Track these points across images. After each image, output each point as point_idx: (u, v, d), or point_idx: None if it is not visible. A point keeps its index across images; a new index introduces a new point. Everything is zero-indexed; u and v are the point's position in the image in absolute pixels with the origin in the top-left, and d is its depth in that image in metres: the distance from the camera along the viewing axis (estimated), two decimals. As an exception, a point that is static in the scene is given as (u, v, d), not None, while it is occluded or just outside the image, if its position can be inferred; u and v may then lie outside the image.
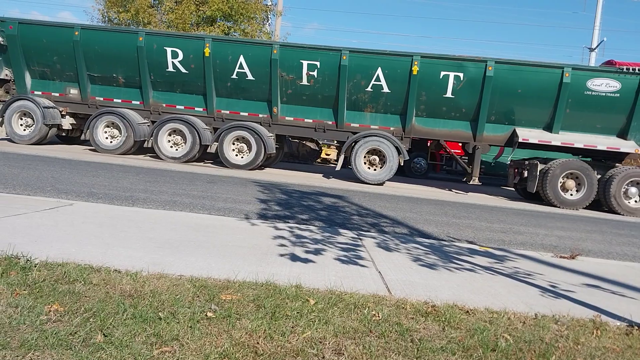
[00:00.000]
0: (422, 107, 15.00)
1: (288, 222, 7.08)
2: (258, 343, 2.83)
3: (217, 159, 16.19)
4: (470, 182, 15.82)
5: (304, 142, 19.83)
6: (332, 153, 24.70)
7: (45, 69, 16.17)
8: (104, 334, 2.73)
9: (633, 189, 14.13)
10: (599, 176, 14.38)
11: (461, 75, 14.52)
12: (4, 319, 2.78)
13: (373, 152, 15.23)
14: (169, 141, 15.64)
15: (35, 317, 2.85)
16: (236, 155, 15.55)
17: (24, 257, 3.81)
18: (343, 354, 2.81)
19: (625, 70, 13.91)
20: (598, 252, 7.53)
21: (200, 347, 2.72)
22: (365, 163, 15.27)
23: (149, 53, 15.40)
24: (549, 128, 14.70)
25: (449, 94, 14.68)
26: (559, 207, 14.11)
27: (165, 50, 15.36)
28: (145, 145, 15.87)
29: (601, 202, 14.36)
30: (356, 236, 6.47)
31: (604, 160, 14.98)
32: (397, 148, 14.92)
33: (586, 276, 5.53)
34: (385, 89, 14.87)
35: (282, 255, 5.00)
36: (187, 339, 2.79)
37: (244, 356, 2.66)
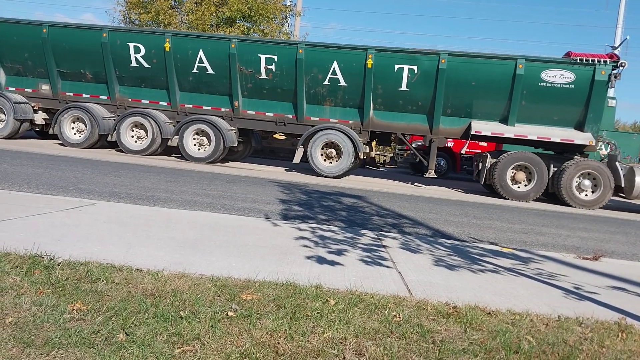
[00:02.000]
0: (379, 100, 15.02)
1: (308, 222, 7.08)
2: (279, 343, 2.82)
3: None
4: (426, 175, 15.78)
5: None
6: None
7: (18, 65, 16.69)
8: (126, 333, 2.75)
9: (586, 182, 14.01)
10: (555, 169, 14.26)
11: (415, 68, 14.46)
12: (28, 317, 2.82)
13: (330, 145, 15.26)
14: (133, 135, 15.95)
15: (59, 315, 2.88)
16: (198, 149, 15.74)
17: (48, 256, 3.85)
18: (364, 355, 2.79)
19: (579, 61, 13.67)
20: (622, 254, 7.41)
21: (222, 346, 2.72)
22: (322, 156, 15.32)
23: (113, 49, 15.74)
24: (505, 120, 14.56)
25: (404, 87, 14.64)
26: (508, 199, 14.08)
27: (128, 45, 15.69)
28: (108, 139, 16.24)
29: (556, 195, 14.29)
30: (376, 237, 6.45)
31: (564, 152, 14.86)
32: (352, 141, 14.88)
33: (610, 278, 5.45)
34: (342, 83, 14.89)
35: (302, 255, 5.00)
36: (208, 338, 2.80)
37: (264, 356, 2.66)
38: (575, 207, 13.79)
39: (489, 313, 3.69)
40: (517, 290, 4.54)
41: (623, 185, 14.03)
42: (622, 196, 14.71)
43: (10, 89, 16.76)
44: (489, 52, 15.38)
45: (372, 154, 24.91)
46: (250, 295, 3.52)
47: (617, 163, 14.35)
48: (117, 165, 12.17)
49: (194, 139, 15.70)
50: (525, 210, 12.11)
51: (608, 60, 13.55)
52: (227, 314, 3.16)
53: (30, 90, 16.75)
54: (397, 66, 14.51)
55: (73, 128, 16.15)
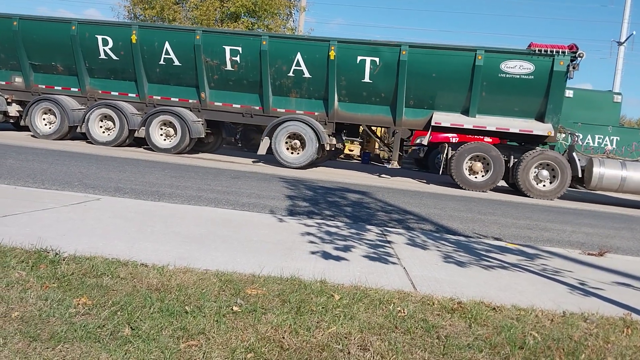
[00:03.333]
0: (343, 92, 15.08)
1: (313, 218, 7.08)
2: (284, 338, 2.83)
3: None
4: (390, 166, 15.85)
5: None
6: (355, 149, 24.60)
7: None
8: (131, 327, 2.76)
9: (544, 172, 14.10)
10: (516, 160, 14.36)
11: (377, 59, 14.51)
12: (34, 312, 2.83)
13: (294, 136, 15.31)
14: (101, 127, 16.10)
15: (65, 309, 2.89)
16: (164, 140, 15.86)
17: (53, 251, 3.86)
18: (369, 350, 2.79)
19: (537, 51, 13.66)
20: (627, 250, 7.39)
21: (227, 341, 2.73)
22: (287, 147, 15.37)
23: (82, 41, 15.91)
24: (466, 112, 14.63)
25: (367, 79, 14.70)
26: (464, 189, 14.21)
27: (97, 38, 15.83)
28: (78, 130, 16.46)
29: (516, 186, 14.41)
30: (381, 232, 6.44)
31: (528, 144, 14.92)
32: (315, 132, 14.94)
33: (615, 274, 5.43)
34: (307, 74, 14.98)
35: (307, 250, 5.01)
36: (214, 333, 2.80)
37: (269, 351, 2.67)
38: (532, 197, 13.96)
39: (494, 308, 3.69)
40: (522, 285, 4.53)
41: (580, 175, 14.14)
42: (583, 187, 14.89)
43: None
44: (450, 43, 15.58)
45: (377, 150, 24.89)
46: (255, 290, 3.52)
47: (574, 154, 14.45)
48: (122, 161, 12.20)
49: (161, 130, 15.85)
50: (529, 206, 12.09)
51: (567, 51, 13.56)
52: (232, 309, 3.16)
53: (3, 83, 17.03)
54: (359, 58, 14.59)
55: (44, 120, 16.39)
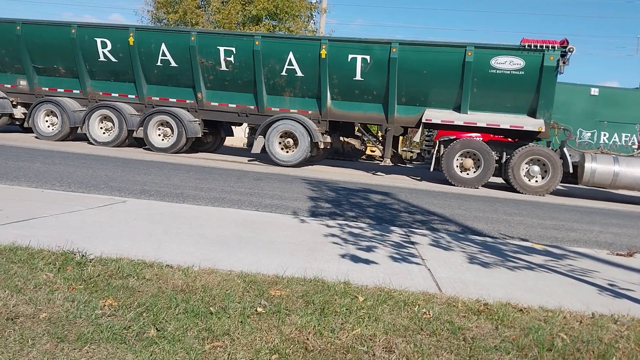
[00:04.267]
0: (335, 90, 15.18)
1: (336, 219, 7.06)
2: (308, 339, 2.82)
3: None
4: (382, 164, 15.88)
5: (347, 139, 19.67)
6: (377, 150, 24.49)
7: None
8: (156, 329, 2.77)
9: (535, 167, 14.03)
10: (508, 156, 14.31)
11: (368, 57, 14.58)
12: (61, 313, 2.86)
13: (287, 135, 15.40)
14: (101, 127, 16.47)
15: (91, 311, 2.92)
16: (162, 139, 16.14)
17: (80, 253, 3.91)
18: (394, 352, 2.77)
19: (527, 47, 13.53)
20: (658, 250, 7.22)
21: (251, 342, 2.73)
22: (280, 145, 15.53)
23: (82, 44, 16.30)
24: (458, 108, 14.57)
25: (358, 77, 14.78)
26: (455, 186, 14.24)
27: (96, 40, 16.20)
28: (79, 131, 16.85)
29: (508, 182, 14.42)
30: (405, 233, 6.40)
31: (521, 140, 14.87)
32: (308, 130, 15.01)
33: (646, 275, 5.31)
34: (299, 73, 15.13)
35: (330, 252, 4.99)
36: (238, 334, 2.80)
37: (294, 352, 2.66)
38: (523, 193, 13.93)
39: (521, 310, 3.63)
40: (549, 287, 4.46)
41: (572, 171, 14.05)
42: (575, 182, 14.80)
43: None
44: (440, 40, 15.69)
45: (400, 150, 24.75)
46: (279, 291, 3.52)
47: (565, 149, 14.37)
48: (147, 164, 12.33)
49: (159, 130, 16.15)
50: (556, 206, 11.91)
51: (557, 45, 13.42)
52: (256, 310, 3.16)
53: (9, 86, 17.53)
54: (350, 56, 14.67)
55: (47, 121, 16.84)
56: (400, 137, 18.85)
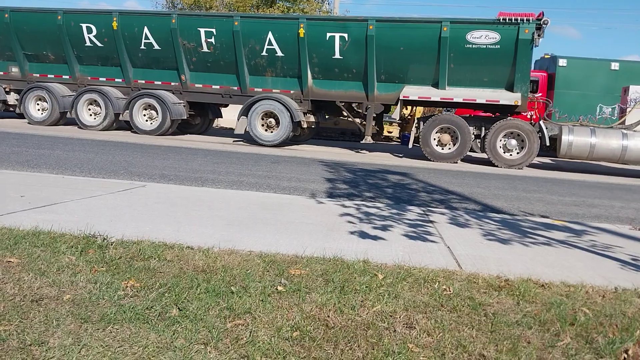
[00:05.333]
0: (316, 69, 15.21)
1: (353, 200, 7.06)
2: (328, 316, 2.83)
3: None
4: (363, 142, 15.81)
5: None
6: (394, 130, 24.25)
7: None
8: (178, 308, 2.80)
9: (513, 141, 14.10)
10: (487, 131, 14.30)
11: (346, 35, 14.59)
12: (84, 294, 2.90)
13: (269, 115, 15.46)
14: (89, 111, 16.73)
15: (113, 292, 2.96)
16: (148, 122, 16.34)
17: (101, 236, 3.95)
18: (414, 328, 2.77)
19: (502, 20, 13.39)
20: (682, 225, 7.12)
21: (272, 319, 2.75)
22: (263, 126, 15.63)
23: (68, 30, 16.49)
24: (437, 84, 14.51)
25: (337, 55, 14.77)
26: (432, 161, 14.21)
27: (81, 26, 16.40)
28: (67, 115, 17.16)
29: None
30: (423, 212, 6.38)
31: (497, 114, 14.92)
32: (289, 110, 15.04)
33: (670, 249, 5.23)
34: (279, 53, 15.17)
35: (348, 231, 5.00)
36: (259, 312, 2.82)
37: (315, 329, 2.67)
38: (499, 166, 14.03)
39: (542, 285, 3.60)
40: (570, 262, 4.42)
41: (548, 144, 14.12)
42: (554, 155, 14.84)
43: None
44: (416, 16, 15.74)
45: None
46: (299, 271, 3.53)
47: (541, 122, 14.36)
48: (165, 149, 12.41)
49: (144, 113, 16.33)
50: (576, 182, 11.77)
51: (531, 18, 13.27)
52: (276, 289, 3.18)
53: (1, 73, 17.88)
54: (328, 34, 14.68)
55: (38, 107, 17.17)
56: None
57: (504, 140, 14.12)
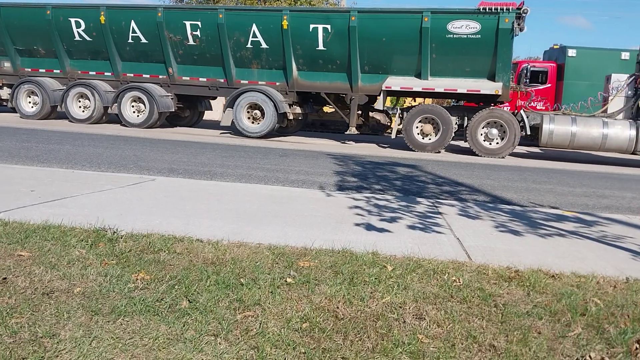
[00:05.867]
0: (300, 61, 15.22)
1: (362, 192, 7.04)
2: (338, 308, 2.83)
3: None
4: (347, 132, 15.91)
5: (372, 113, 19.41)
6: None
7: None
8: (188, 300, 2.81)
9: (494, 130, 14.18)
10: (470, 121, 14.35)
11: (329, 27, 14.54)
12: (95, 287, 2.92)
13: (254, 106, 15.52)
14: (79, 104, 16.86)
15: (124, 285, 2.97)
16: (136, 115, 16.50)
17: (111, 230, 3.97)
18: (424, 319, 2.76)
19: (482, 10, 13.37)
20: (694, 215, 7.05)
21: (282, 311, 2.75)
22: (249, 118, 15.71)
23: (58, 24, 16.63)
24: (419, 75, 14.48)
25: (321, 47, 14.77)
26: (414, 151, 14.30)
27: (70, 21, 16.53)
28: (58, 109, 17.37)
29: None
30: (432, 204, 6.36)
31: (481, 103, 14.95)
32: (273, 102, 15.12)
33: (682, 239, 5.19)
34: (264, 45, 15.20)
35: (356, 223, 4.99)
36: (269, 303, 2.83)
37: (324, 320, 2.67)
38: (480, 155, 14.10)
39: (553, 276, 3.59)
40: (581, 252, 4.39)
41: (528, 133, 14.24)
42: (536, 144, 14.97)
43: None
44: (397, 7, 15.85)
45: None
46: (308, 263, 3.54)
47: (522, 111, 14.43)
48: (174, 143, 12.44)
49: (132, 106, 16.51)
50: (586, 174, 11.69)
51: (511, 7, 13.23)
52: (285, 281, 3.19)
53: None
54: (312, 26, 14.68)
55: (29, 101, 17.37)
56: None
57: (486, 130, 14.23)
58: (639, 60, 14.24)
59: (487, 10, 13.34)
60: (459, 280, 3.37)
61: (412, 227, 4.94)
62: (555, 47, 20.72)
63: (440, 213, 5.77)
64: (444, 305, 2.97)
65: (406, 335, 2.57)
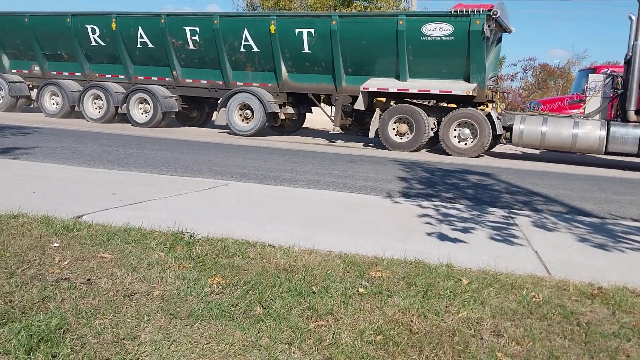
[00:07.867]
0: (289, 63, 15.98)
1: (432, 200, 6.92)
2: (412, 321, 2.78)
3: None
4: (332, 131, 16.42)
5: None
6: None
7: (15, 51, 19.89)
8: (262, 306, 2.84)
9: (466, 131, 14.19)
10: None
11: (312, 31, 15.20)
12: (173, 290, 2.99)
13: (246, 106, 16.40)
14: (95, 104, 17.97)
15: (200, 289, 3.03)
16: (143, 115, 17.59)
17: (188, 233, 4.07)
18: (503, 336, 2.67)
19: (454, 12, 13.44)
20: None
21: (355, 322, 2.73)
22: (240, 117, 16.55)
23: (76, 31, 18.06)
24: (398, 76, 14.93)
25: (306, 50, 15.49)
26: (389, 150, 14.65)
27: (87, 27, 17.78)
28: (75, 109, 18.53)
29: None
30: (507, 214, 6.16)
31: (460, 105, 14.82)
32: (261, 102, 15.72)
33: None
34: (255, 49, 16.07)
35: (428, 233, 4.90)
36: (341, 313, 2.81)
37: (398, 333, 2.63)
38: (452, 154, 14.08)
39: (640, 295, 3.39)
40: (671, 271, 4.13)
41: (499, 132, 14.39)
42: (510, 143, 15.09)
43: (12, 71, 20.00)
44: (375, 11, 16.45)
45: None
46: (380, 273, 3.50)
47: (492, 112, 14.30)
48: (246, 149, 12.70)
49: (140, 106, 17.48)
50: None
51: (482, 10, 13.21)
52: (357, 290, 3.16)
53: (26, 72, 19.83)
54: (297, 30, 15.36)
55: (53, 101, 18.83)
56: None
57: (459, 130, 14.29)
58: (626, 61, 13.95)
59: (458, 12, 13.56)
60: (538, 296, 3.24)
61: (486, 238, 4.80)
62: None
63: (515, 224, 5.58)
64: (523, 322, 2.86)
65: (484, 352, 2.49)
